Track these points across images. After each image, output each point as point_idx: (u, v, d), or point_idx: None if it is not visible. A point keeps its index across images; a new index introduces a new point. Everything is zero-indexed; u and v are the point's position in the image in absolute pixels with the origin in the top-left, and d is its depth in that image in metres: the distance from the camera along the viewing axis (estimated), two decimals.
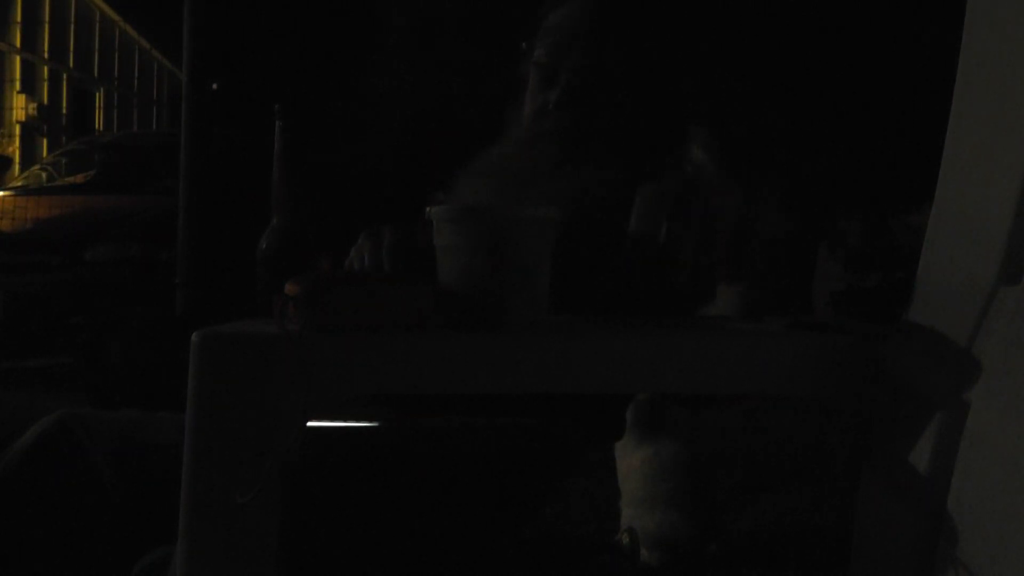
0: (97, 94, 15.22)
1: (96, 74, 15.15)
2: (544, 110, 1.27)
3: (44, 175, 6.62)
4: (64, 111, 13.82)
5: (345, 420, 1.17)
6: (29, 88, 12.72)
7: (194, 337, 0.86)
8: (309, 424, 0.90)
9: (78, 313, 4.36)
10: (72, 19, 13.95)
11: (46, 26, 13.14)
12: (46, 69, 13.46)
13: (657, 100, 1.28)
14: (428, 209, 0.97)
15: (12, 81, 12.34)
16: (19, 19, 12.38)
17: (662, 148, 1.30)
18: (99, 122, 15.20)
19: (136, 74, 17.36)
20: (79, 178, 6.11)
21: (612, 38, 1.26)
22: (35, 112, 12.31)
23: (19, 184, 6.49)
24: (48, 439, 1.20)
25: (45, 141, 12.46)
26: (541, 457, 1.24)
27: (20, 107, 12.07)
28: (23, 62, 12.73)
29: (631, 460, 1.75)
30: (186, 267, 3.69)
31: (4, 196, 5.68)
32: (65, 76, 14.03)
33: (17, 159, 11.34)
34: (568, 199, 1.02)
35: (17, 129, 12.03)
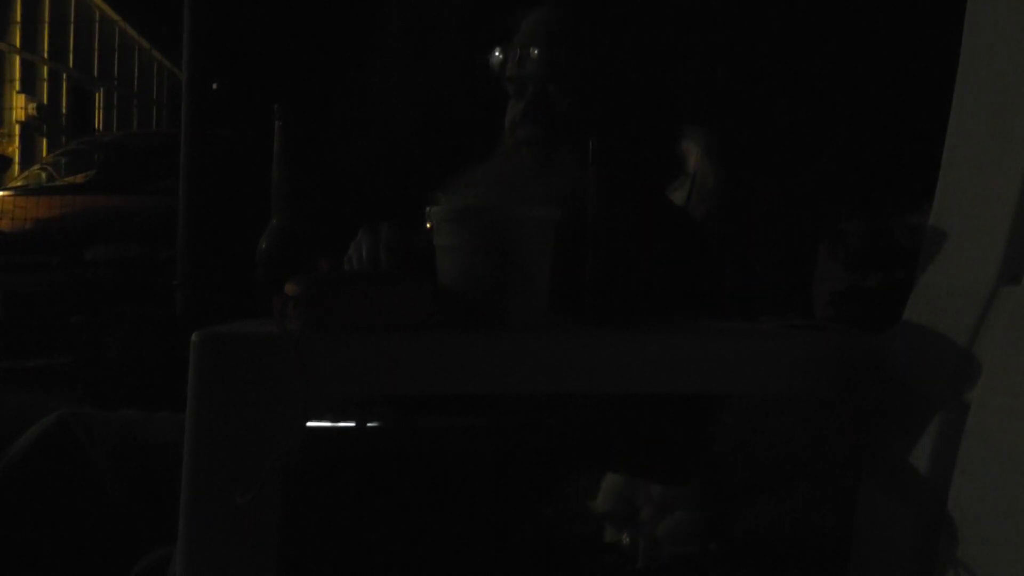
0: (97, 94, 15.22)
1: (96, 74, 15.15)
2: (516, 121, 1.28)
3: (44, 175, 6.62)
4: (64, 111, 13.82)
5: (345, 420, 1.17)
6: (29, 88, 12.72)
7: (194, 337, 0.86)
8: (309, 424, 0.90)
9: (78, 313, 4.35)
10: (72, 19, 13.94)
11: (46, 26, 13.14)
12: (46, 69, 13.46)
13: (622, 104, 1.29)
14: (428, 209, 0.98)
15: (12, 81, 12.34)
16: (19, 19, 12.38)
17: (634, 151, 1.30)
18: (99, 122, 15.20)
19: (136, 74, 17.36)
20: (79, 178, 6.10)
21: (570, 47, 1.27)
22: (35, 112, 12.30)
23: (19, 184, 6.48)
24: (48, 439, 1.20)
25: (45, 141, 12.46)
26: (541, 457, 1.24)
27: (20, 107, 12.06)
28: (23, 62, 12.73)
29: None
30: (186, 267, 3.69)
31: (4, 196, 5.68)
32: (65, 76, 14.03)
33: (17, 159, 11.34)
34: (550, 203, 1.02)
35: (17, 129, 12.03)
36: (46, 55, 13.40)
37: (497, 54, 1.30)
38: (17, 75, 12.51)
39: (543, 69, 1.26)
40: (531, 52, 1.27)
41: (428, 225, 0.98)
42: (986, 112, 0.88)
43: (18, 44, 12.60)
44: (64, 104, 13.93)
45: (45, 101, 13.10)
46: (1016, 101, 0.84)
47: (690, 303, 1.18)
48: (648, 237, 1.02)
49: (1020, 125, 0.84)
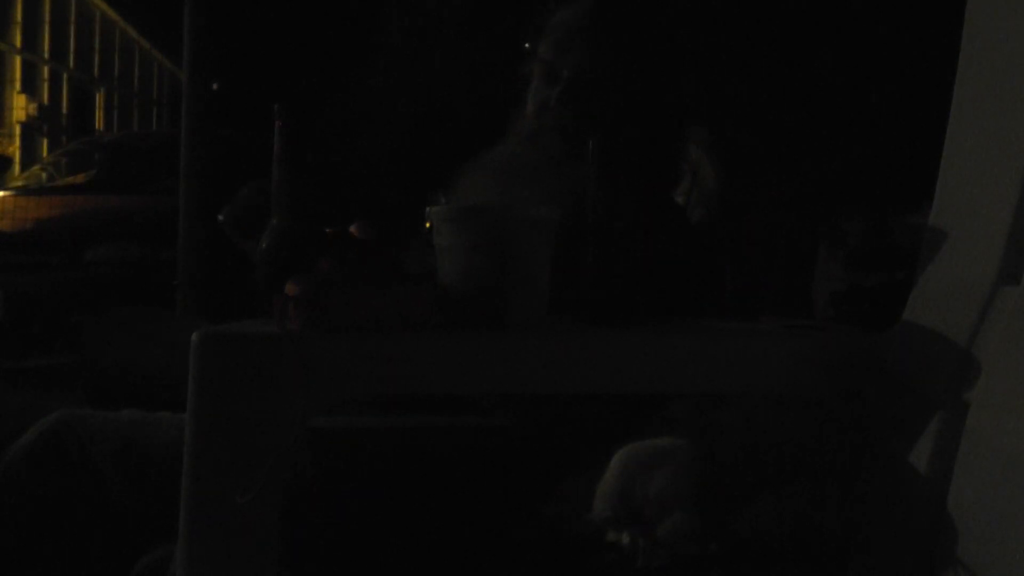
0: (97, 94, 15.22)
1: (96, 74, 15.15)
2: (546, 105, 1.28)
3: (44, 175, 6.63)
4: (64, 111, 13.82)
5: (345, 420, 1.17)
6: (30, 88, 12.72)
7: (194, 337, 0.86)
8: (308, 424, 0.90)
9: (78, 313, 4.35)
10: (72, 19, 13.95)
11: (47, 26, 13.14)
12: (47, 69, 13.46)
13: (658, 97, 1.29)
14: (428, 209, 0.98)
15: (13, 81, 12.35)
16: (20, 19, 12.39)
17: (663, 145, 1.31)
18: (99, 122, 15.20)
19: (136, 74, 17.36)
20: (79, 178, 6.11)
21: (613, 36, 1.27)
22: (35, 112, 12.31)
23: (19, 184, 6.49)
24: (49, 439, 1.20)
25: (45, 141, 12.46)
26: (541, 457, 1.24)
27: (21, 107, 12.07)
28: (24, 62, 12.73)
29: None
30: (186, 267, 3.68)
31: (5, 196, 5.68)
32: (65, 76, 14.03)
33: (18, 159, 11.34)
34: (570, 194, 1.02)
35: (18, 129, 12.04)
36: (47, 55, 13.40)
37: (527, 42, 1.31)
38: (18, 75, 12.52)
39: (584, 57, 1.27)
40: (573, 37, 1.27)
41: (428, 225, 0.98)
42: (986, 112, 0.88)
43: (19, 44, 12.60)
44: (64, 104, 13.93)
45: (46, 101, 13.11)
46: (1016, 101, 0.84)
47: (689, 303, 1.18)
48: (648, 237, 1.02)
49: (1020, 125, 0.84)
